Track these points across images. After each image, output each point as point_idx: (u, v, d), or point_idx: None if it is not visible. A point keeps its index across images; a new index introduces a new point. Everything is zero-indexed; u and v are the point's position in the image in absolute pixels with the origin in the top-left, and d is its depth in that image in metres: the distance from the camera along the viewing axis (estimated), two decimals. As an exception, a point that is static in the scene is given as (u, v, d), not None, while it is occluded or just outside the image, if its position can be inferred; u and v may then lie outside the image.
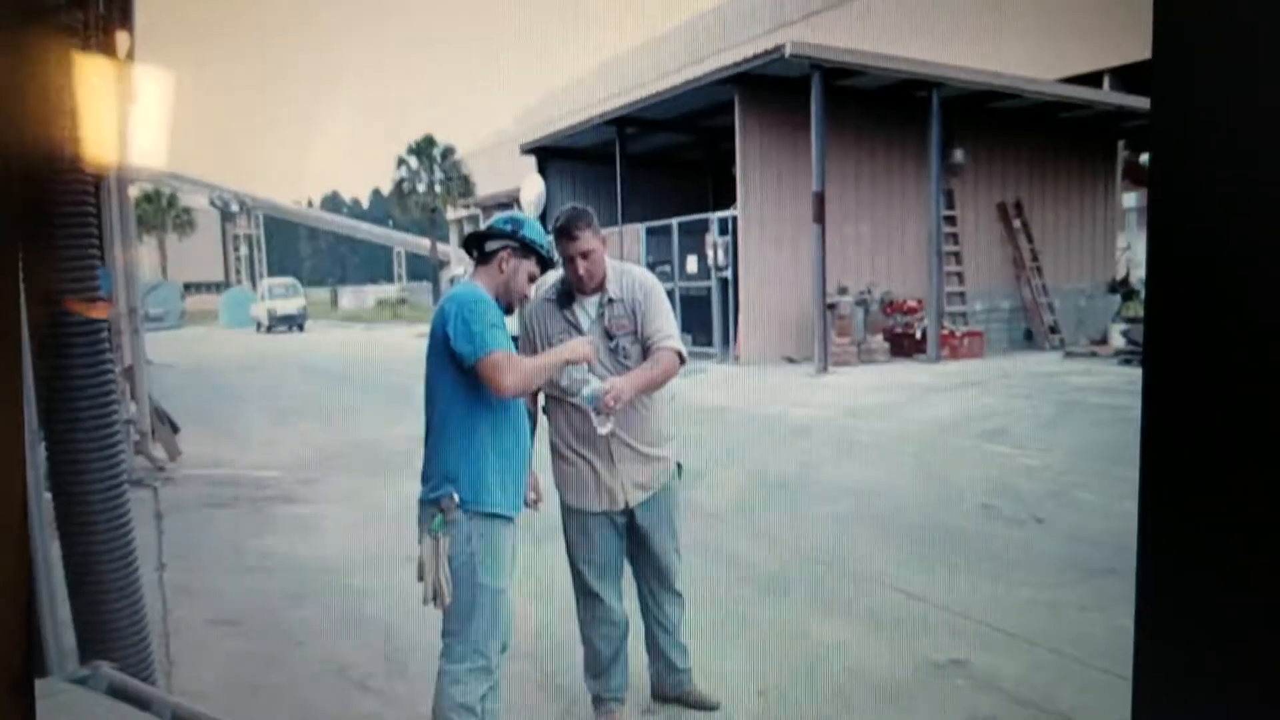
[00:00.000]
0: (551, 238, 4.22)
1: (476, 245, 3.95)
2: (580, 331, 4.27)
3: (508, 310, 3.89)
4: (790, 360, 18.65)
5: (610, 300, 4.29)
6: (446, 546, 3.66)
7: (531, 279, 3.92)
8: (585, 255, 4.22)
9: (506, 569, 3.77)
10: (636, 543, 4.42)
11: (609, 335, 4.27)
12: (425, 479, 3.75)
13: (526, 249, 3.90)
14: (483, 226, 4.04)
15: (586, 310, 4.31)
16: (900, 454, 10.71)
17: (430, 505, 3.70)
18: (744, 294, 18.87)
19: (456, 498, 3.66)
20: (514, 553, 3.82)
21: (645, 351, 4.26)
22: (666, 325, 4.29)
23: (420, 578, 3.71)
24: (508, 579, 3.78)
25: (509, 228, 3.92)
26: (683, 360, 4.28)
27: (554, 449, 4.37)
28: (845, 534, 7.55)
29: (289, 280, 37.75)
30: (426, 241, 39.43)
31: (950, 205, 20.67)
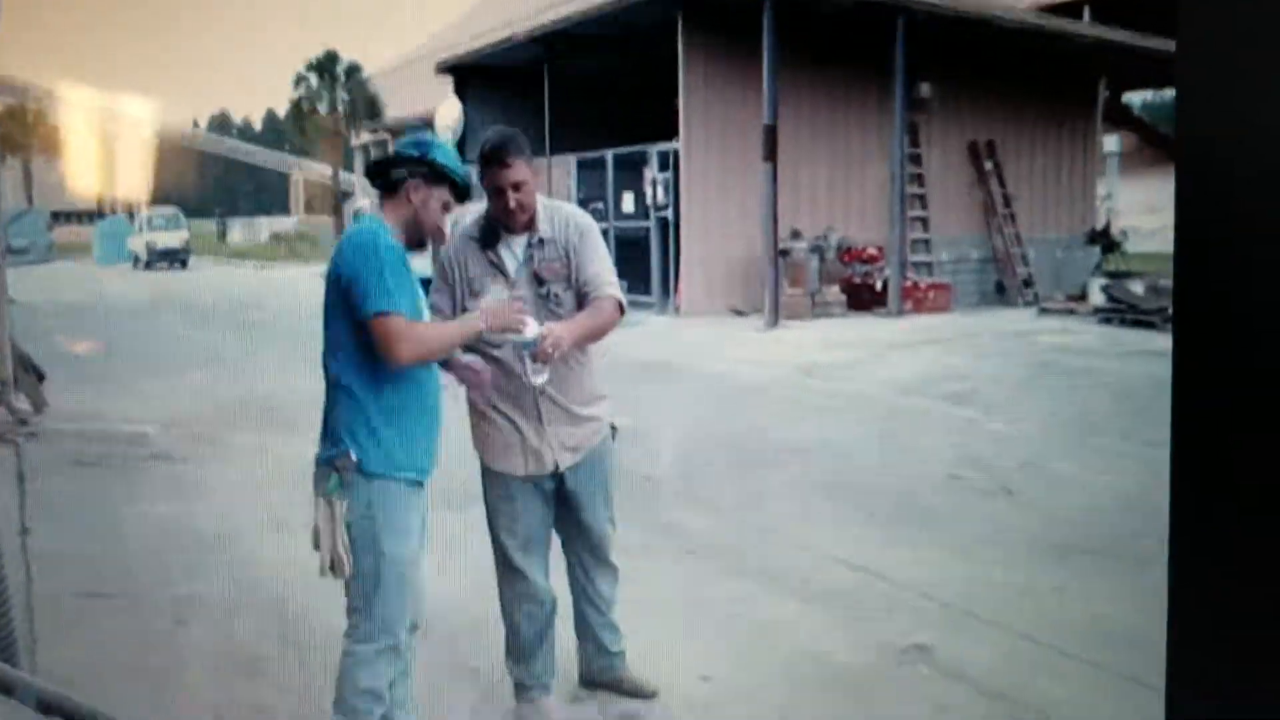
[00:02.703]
0: (476, 165, 4.12)
1: (380, 174, 3.81)
2: (505, 275, 4.17)
3: (418, 246, 3.80)
4: (737, 312, 18.71)
5: (540, 240, 4.18)
6: (343, 511, 3.58)
7: (445, 209, 3.78)
8: (516, 187, 4.08)
9: (415, 538, 3.70)
10: (566, 511, 4.37)
11: (539, 280, 4.17)
12: (323, 436, 3.67)
13: (438, 176, 3.76)
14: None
15: (513, 251, 4.20)
16: (858, 417, 10.79)
17: (325, 465, 3.61)
18: (686, 237, 18.87)
19: (354, 457, 3.57)
20: (424, 521, 3.75)
21: (580, 300, 4.19)
22: (605, 271, 4.22)
23: (316, 545, 3.63)
24: (418, 549, 3.72)
25: (416, 152, 3.77)
26: (623, 310, 4.23)
27: (472, 406, 4.29)
28: (797, 504, 7.59)
29: (170, 210, 37.26)
30: (328, 169, 39.04)
31: (915, 144, 20.78)
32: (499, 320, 3.81)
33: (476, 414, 4.30)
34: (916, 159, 20.84)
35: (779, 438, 9.73)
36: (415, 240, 3.77)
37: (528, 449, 4.23)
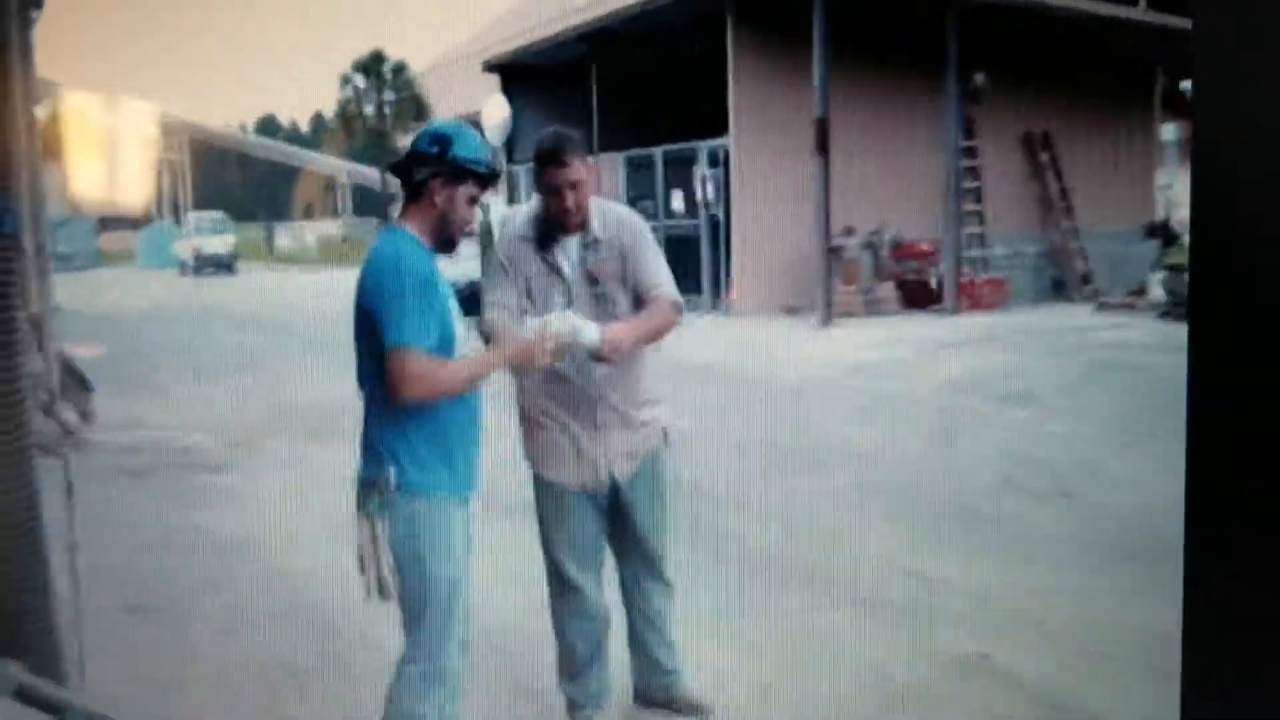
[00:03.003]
0: (530, 164, 4.11)
1: (402, 176, 3.72)
2: (562, 277, 4.15)
3: (449, 247, 3.72)
4: (789, 311, 18.61)
5: (594, 241, 4.17)
6: (386, 532, 3.54)
7: (473, 202, 3.68)
8: (574, 186, 4.07)
9: (459, 557, 3.65)
10: (621, 523, 4.31)
11: (593, 280, 4.15)
12: (362, 454, 3.63)
13: (462, 172, 3.66)
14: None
15: (567, 252, 4.18)
16: (912, 419, 10.70)
17: (367, 485, 3.57)
18: (736, 235, 18.81)
19: (394, 478, 3.53)
20: (468, 539, 3.71)
21: (636, 300, 4.16)
22: (662, 273, 4.20)
23: (361, 569, 3.60)
24: (464, 567, 3.69)
25: (435, 149, 3.66)
26: (680, 311, 4.20)
27: (524, 414, 4.26)
28: (850, 509, 7.53)
29: (217, 215, 37.50)
30: (374, 172, 39.18)
31: (970, 136, 20.60)
32: (525, 360, 3.78)
33: (528, 420, 4.28)
34: (971, 152, 20.66)
35: (831, 440, 9.66)
36: (445, 241, 3.71)
37: (583, 457, 4.20)
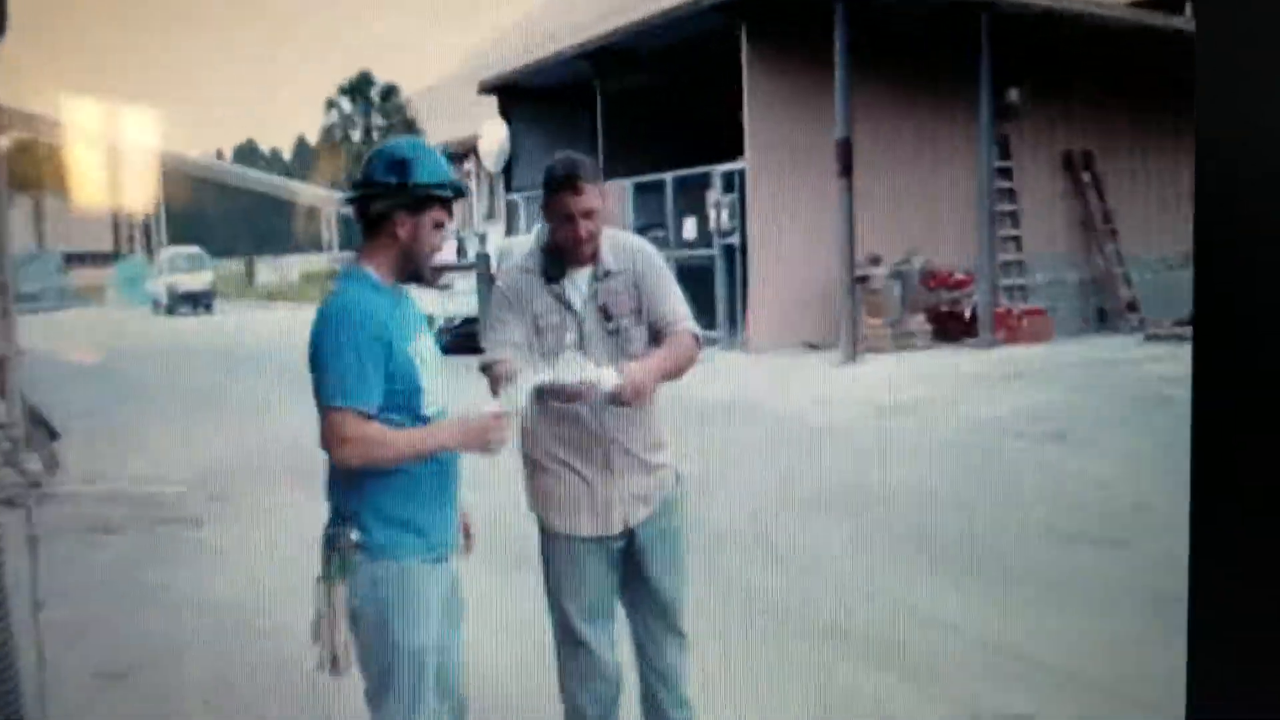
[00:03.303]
0: (542, 191, 4.08)
1: (358, 210, 3.61)
2: (573, 312, 4.13)
3: (419, 279, 3.65)
4: (811, 346, 18.61)
5: (607, 273, 4.17)
6: (345, 597, 3.47)
7: (439, 227, 3.60)
8: (588, 215, 4.06)
9: (436, 621, 3.59)
10: (634, 572, 4.29)
11: (606, 315, 4.14)
12: (328, 511, 3.58)
13: (425, 199, 3.56)
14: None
15: (577, 286, 4.17)
16: (945, 460, 10.67)
17: (328, 546, 3.52)
18: (754, 265, 18.81)
19: (355, 539, 3.47)
20: (449, 601, 3.66)
21: (653, 336, 4.17)
22: (679, 305, 4.21)
23: (315, 637, 3.53)
24: (443, 633, 3.62)
25: (392, 177, 3.54)
26: (700, 345, 4.20)
27: (530, 461, 4.24)
28: (878, 557, 7.51)
29: (194, 250, 37.60)
30: (362, 202, 39.11)
31: (1005, 155, 20.61)
32: (476, 441, 3.58)
33: (535, 467, 4.26)
34: (1006, 173, 20.67)
35: (857, 484, 9.64)
36: (412, 274, 3.63)
37: (596, 505, 4.19)
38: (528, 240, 4.30)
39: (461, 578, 3.79)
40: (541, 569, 4.32)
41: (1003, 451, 10.91)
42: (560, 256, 4.17)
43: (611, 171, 20.79)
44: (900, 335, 18.72)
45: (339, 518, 3.52)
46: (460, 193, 3.69)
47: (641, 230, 18.27)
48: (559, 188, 4.07)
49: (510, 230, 23.40)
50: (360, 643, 3.52)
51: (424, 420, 3.55)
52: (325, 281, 39.73)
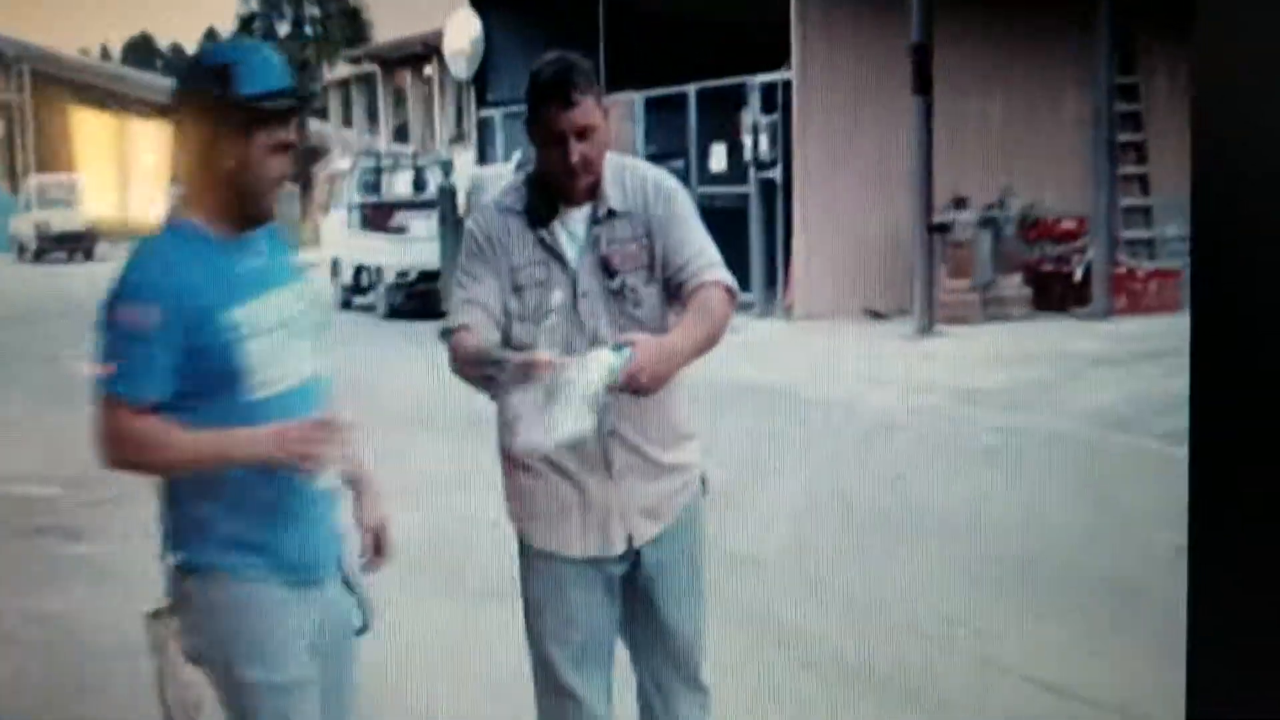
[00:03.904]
0: (525, 105, 4.01)
1: (178, 136, 3.54)
2: (564, 266, 4.03)
3: (261, 220, 3.53)
4: (873, 314, 18.62)
5: (610, 213, 4.04)
6: (176, 635, 3.49)
7: (280, 150, 3.45)
8: (583, 134, 3.91)
9: (294, 656, 3.56)
10: (641, 607, 4.25)
11: (608, 270, 4.02)
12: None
13: (256, 114, 3.41)
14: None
15: (570, 229, 4.06)
16: (1045, 466, 10.68)
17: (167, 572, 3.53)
18: (800, 207, 18.76)
19: (180, 559, 3.48)
20: (318, 636, 3.63)
21: (670, 291, 4.06)
22: (706, 248, 4.07)
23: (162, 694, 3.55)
24: (306, 671, 3.58)
25: (211, 87, 3.41)
26: (734, 300, 4.06)
27: (508, 456, 4.14)
28: (958, 594, 7.52)
29: (68, 180, 37.59)
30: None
31: (1128, 70, 20.52)
32: (300, 450, 3.42)
33: (514, 466, 4.16)
34: (1131, 92, 20.60)
35: (930, 496, 9.64)
36: (249, 213, 3.51)
37: (590, 516, 4.09)
38: (506, 171, 4.25)
39: (371, 604, 3.78)
40: (520, 599, 4.27)
41: (1124, 455, 10.91)
42: (549, 192, 4.06)
43: (617, 82, 20.72)
44: (991, 301, 18.70)
45: (164, 536, 3.52)
46: (305, 100, 3.58)
47: (655, 160, 18.20)
48: (546, 98, 3.93)
49: (483, 157, 23.34)
50: (211, 683, 3.53)
51: (250, 409, 3.45)
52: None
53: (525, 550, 4.22)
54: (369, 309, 21.60)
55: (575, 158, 3.91)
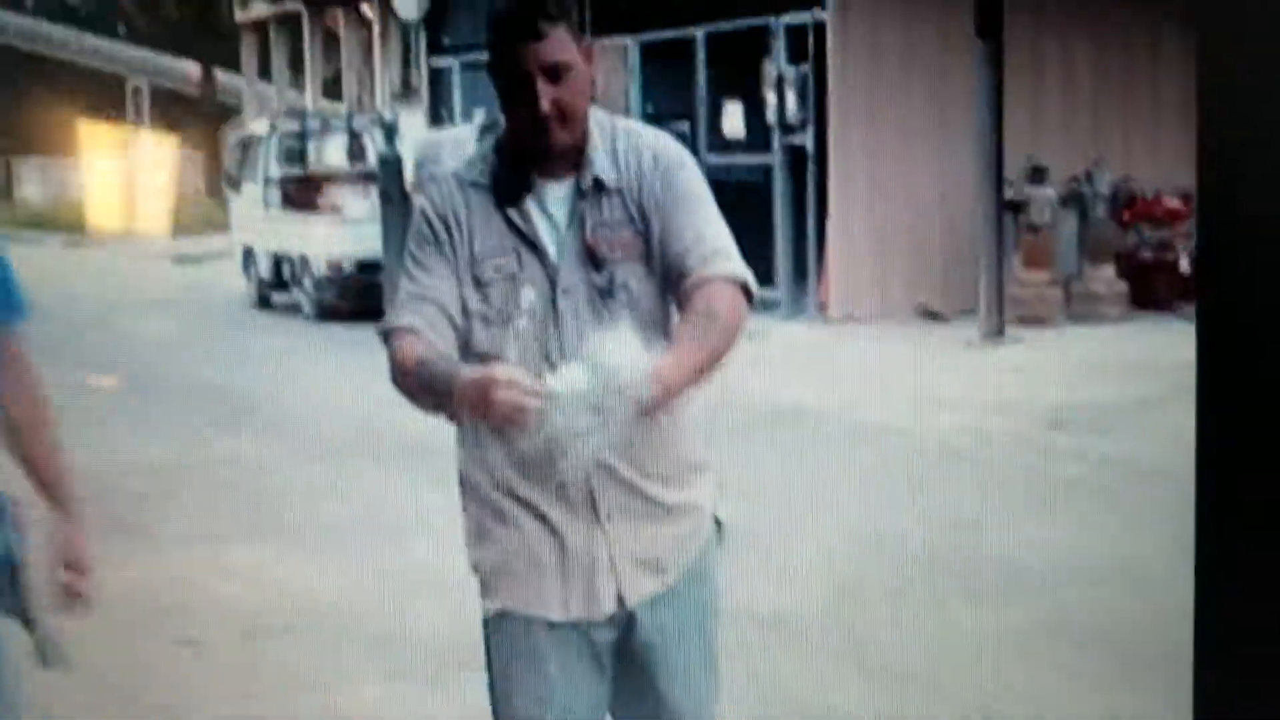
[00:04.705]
0: (486, 48, 3.89)
1: None
2: (538, 254, 3.91)
3: None
4: (929, 314, 18.64)
5: (597, 186, 3.92)
6: None
7: None
8: (554, 75, 3.77)
9: None
10: (635, 683, 4.20)
11: (594, 259, 3.91)
12: None
13: None
14: None
15: (546, 207, 3.96)
16: (1146, 506, 10.70)
17: None
18: (836, 181, 18.74)
19: None
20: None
21: (671, 283, 3.93)
22: (716, 231, 3.95)
23: None
24: None
25: None
26: (751, 298, 3.91)
27: (472, 491, 4.08)
28: (1037, 666, 7.55)
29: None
30: (193, 67, 39.35)
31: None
32: None
33: (479, 506, 4.09)
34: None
35: (1002, 545, 9.66)
36: None
37: (571, 569, 4.00)
38: (466, 135, 4.20)
39: (57, 641, 3.80)
40: (485, 673, 4.20)
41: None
42: (521, 161, 3.93)
43: (605, 22, 20.70)
44: (1077, 298, 18.70)
45: None
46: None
47: (654, 122, 18.15)
48: (507, 31, 3.82)
49: (436, 118, 23.32)
50: None
51: None
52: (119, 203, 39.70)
53: (491, 614, 4.10)
54: (294, 309, 21.80)
55: (546, 104, 3.75)
